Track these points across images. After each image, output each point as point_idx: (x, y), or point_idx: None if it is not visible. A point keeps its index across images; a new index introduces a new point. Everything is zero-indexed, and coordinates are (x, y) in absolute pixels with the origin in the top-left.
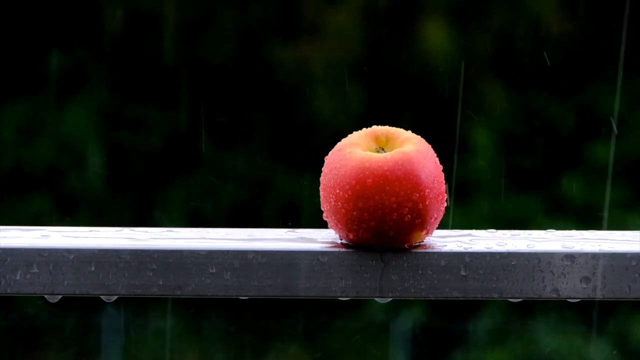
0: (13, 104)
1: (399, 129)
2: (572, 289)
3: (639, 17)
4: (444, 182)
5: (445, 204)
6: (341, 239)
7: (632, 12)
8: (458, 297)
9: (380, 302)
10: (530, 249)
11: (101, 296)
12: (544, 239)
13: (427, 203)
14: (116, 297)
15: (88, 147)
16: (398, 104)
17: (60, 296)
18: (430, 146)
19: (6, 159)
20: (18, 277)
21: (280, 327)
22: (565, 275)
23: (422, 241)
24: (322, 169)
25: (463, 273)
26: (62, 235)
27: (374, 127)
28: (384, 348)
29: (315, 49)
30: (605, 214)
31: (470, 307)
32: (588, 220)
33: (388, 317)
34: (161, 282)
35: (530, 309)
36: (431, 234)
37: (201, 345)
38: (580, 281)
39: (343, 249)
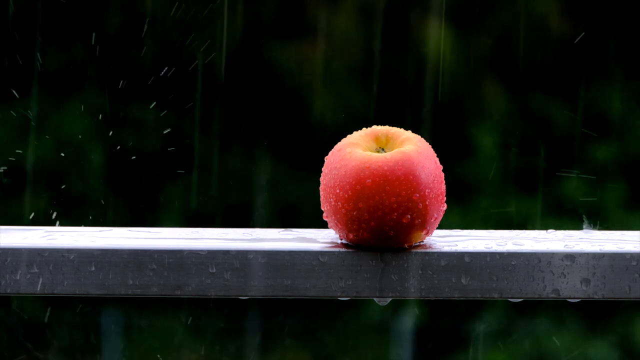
0: (11, 103)
1: (399, 129)
2: (572, 289)
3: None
4: (444, 182)
5: (445, 205)
6: (341, 239)
7: (633, 12)
8: (458, 297)
9: (380, 303)
10: (530, 249)
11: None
12: (544, 239)
13: (427, 203)
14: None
15: (87, 147)
16: (398, 104)
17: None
18: (430, 146)
19: (5, 158)
20: (18, 277)
21: (280, 327)
22: (565, 276)
23: (422, 241)
24: (322, 169)
25: (463, 273)
26: (62, 235)
27: (374, 127)
28: (384, 348)
29: (315, 49)
30: (605, 214)
31: (470, 307)
32: (588, 220)
33: (388, 317)
34: (161, 282)
35: (530, 309)
36: (431, 234)
37: (201, 345)
38: (581, 281)
39: (343, 249)
